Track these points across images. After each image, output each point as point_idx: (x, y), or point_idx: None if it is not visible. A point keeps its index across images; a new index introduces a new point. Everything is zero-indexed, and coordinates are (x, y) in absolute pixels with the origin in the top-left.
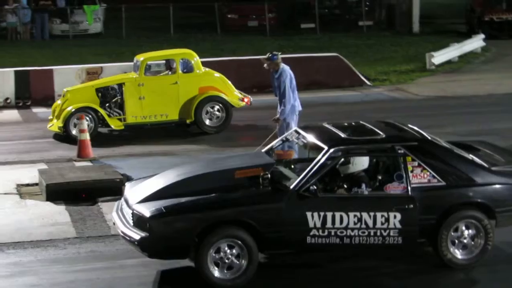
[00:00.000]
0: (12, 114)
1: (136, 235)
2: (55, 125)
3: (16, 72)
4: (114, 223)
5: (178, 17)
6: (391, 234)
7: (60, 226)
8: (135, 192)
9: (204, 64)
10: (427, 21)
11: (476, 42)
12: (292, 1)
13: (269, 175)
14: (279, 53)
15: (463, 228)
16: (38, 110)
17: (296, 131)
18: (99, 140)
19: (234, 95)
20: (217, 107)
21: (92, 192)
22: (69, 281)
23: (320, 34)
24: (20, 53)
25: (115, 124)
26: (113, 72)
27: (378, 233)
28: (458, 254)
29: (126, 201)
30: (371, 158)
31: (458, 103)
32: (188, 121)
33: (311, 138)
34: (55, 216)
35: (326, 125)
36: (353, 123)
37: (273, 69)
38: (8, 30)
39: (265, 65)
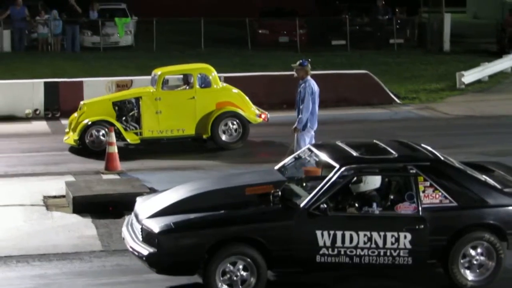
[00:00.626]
0: (41, 125)
1: (145, 250)
2: (70, 138)
3: (46, 83)
4: (123, 238)
5: (209, 31)
6: (401, 254)
7: (86, 239)
8: (145, 207)
9: (234, 79)
10: (458, 40)
11: (506, 62)
12: (323, 18)
13: (279, 193)
14: (309, 61)
15: (475, 249)
16: (66, 122)
17: (309, 149)
18: (127, 153)
19: (251, 111)
20: (234, 122)
21: (119, 206)
22: None
23: (350, 51)
24: (50, 65)
25: (131, 138)
26: (142, 85)
27: (388, 253)
28: (469, 275)
29: (136, 216)
30: (383, 178)
31: (487, 123)
32: (204, 136)
33: (323, 156)
34: (81, 229)
35: (339, 143)
36: (367, 142)
37: (301, 77)
38: (39, 41)
39: (294, 74)
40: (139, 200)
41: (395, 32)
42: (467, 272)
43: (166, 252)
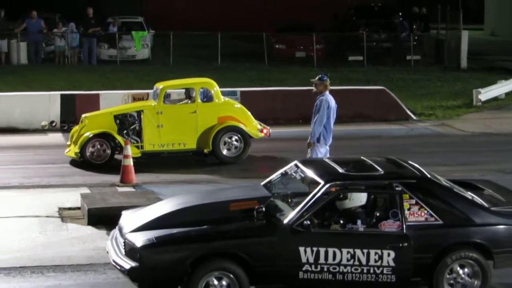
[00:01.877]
0: (57, 137)
1: (127, 264)
2: (71, 151)
3: (62, 95)
4: (107, 252)
5: (225, 45)
6: (385, 272)
7: (101, 251)
8: (130, 221)
9: (251, 93)
10: (475, 57)
11: None
12: (341, 33)
13: (263, 209)
14: (328, 76)
15: (460, 268)
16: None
17: (295, 165)
18: (142, 166)
19: (253, 126)
20: (235, 137)
21: None
22: None
23: (367, 67)
24: (67, 77)
25: (132, 152)
26: None
27: (371, 271)
28: None
29: (120, 230)
30: (368, 194)
31: (504, 140)
32: (205, 151)
33: (309, 172)
34: (96, 241)
35: (326, 160)
36: (354, 159)
37: (320, 91)
38: (56, 53)
39: (313, 89)
40: (124, 213)
41: (412, 49)
42: None
43: (148, 266)
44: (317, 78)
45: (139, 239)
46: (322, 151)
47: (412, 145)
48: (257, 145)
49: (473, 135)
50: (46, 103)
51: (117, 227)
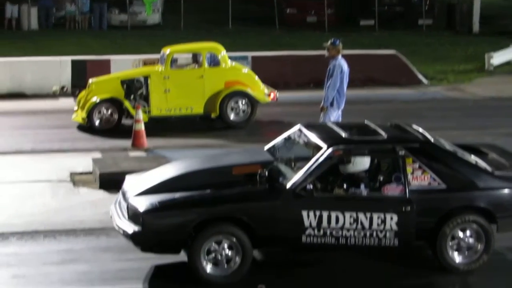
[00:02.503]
0: (68, 102)
1: (130, 228)
2: (79, 116)
3: (73, 61)
4: (111, 216)
5: (237, 10)
6: (387, 235)
7: None
8: (133, 185)
9: (262, 58)
10: (487, 22)
11: None
12: None
13: (266, 173)
14: (340, 40)
15: (463, 232)
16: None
17: (299, 129)
18: (154, 131)
19: (260, 90)
20: (242, 101)
21: None
22: (119, 270)
23: (378, 32)
24: (77, 42)
25: None
26: None
27: (374, 234)
28: (457, 258)
29: (124, 194)
30: (372, 159)
31: None
32: (212, 115)
33: (312, 136)
34: (108, 205)
35: (330, 124)
36: (358, 123)
37: (332, 56)
38: (66, 18)
39: (326, 54)
40: (128, 178)
41: (424, 13)
42: (456, 254)
43: (151, 230)
44: (329, 42)
45: (142, 204)
46: (335, 115)
47: (424, 109)
48: (265, 109)
49: (485, 99)
50: (57, 69)
51: (120, 192)
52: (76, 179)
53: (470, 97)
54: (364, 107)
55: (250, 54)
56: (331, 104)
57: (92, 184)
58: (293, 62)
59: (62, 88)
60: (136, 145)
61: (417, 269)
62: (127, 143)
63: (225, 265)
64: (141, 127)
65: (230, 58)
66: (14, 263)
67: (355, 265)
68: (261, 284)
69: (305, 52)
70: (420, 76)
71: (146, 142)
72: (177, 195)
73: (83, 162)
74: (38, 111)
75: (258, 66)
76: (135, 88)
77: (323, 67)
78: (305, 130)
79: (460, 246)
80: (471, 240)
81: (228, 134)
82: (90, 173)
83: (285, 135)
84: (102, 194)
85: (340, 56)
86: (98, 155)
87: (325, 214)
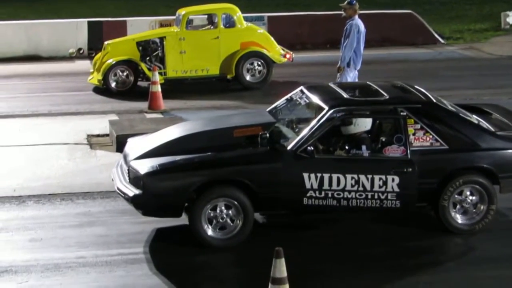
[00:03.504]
0: (85, 65)
1: (131, 192)
2: (94, 78)
3: (89, 22)
4: (112, 179)
5: None
6: (389, 197)
7: None
8: (134, 148)
9: (278, 18)
10: None
11: None
12: None
13: (267, 135)
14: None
15: (466, 193)
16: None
17: (301, 91)
18: (170, 92)
19: (275, 51)
20: (258, 62)
21: None
22: (136, 232)
23: None
24: (93, 4)
25: None
26: None
27: (376, 196)
28: (460, 219)
29: (125, 157)
30: (373, 120)
31: None
32: (228, 76)
33: (313, 97)
34: None
35: (331, 85)
36: (360, 84)
37: (349, 16)
38: None
39: (342, 14)
40: (130, 141)
41: None
42: (458, 215)
43: (151, 194)
44: (346, 2)
45: (143, 166)
46: (352, 76)
47: (440, 69)
48: (281, 70)
49: (501, 58)
50: (73, 31)
51: (122, 154)
52: (93, 141)
53: (487, 56)
54: (380, 67)
55: (266, 14)
56: (348, 65)
57: (109, 147)
58: (310, 22)
59: (79, 50)
60: (152, 107)
61: (420, 230)
62: (144, 105)
63: (227, 227)
64: (158, 89)
65: (246, 19)
66: (31, 226)
67: (357, 227)
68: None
69: (321, 12)
70: (436, 36)
71: (163, 104)
72: (178, 158)
73: (100, 125)
74: (54, 73)
75: (274, 26)
76: (150, 50)
77: (340, 27)
78: (306, 91)
79: (462, 207)
80: (473, 201)
81: (244, 95)
82: (107, 135)
83: (287, 96)
84: (119, 156)
85: (357, 16)
86: (114, 117)
87: (326, 176)
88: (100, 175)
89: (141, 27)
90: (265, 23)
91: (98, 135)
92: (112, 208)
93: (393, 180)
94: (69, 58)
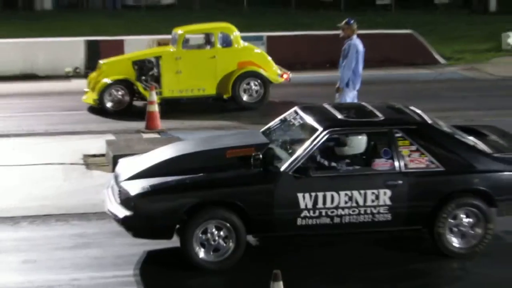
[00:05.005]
0: (81, 84)
1: (121, 213)
2: (89, 97)
3: (86, 41)
4: (103, 201)
5: None
6: (381, 211)
7: None
8: (125, 169)
9: (278, 38)
10: (504, 1)
11: None
12: None
13: (260, 156)
14: (355, 20)
15: (462, 216)
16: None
17: (295, 111)
18: (168, 112)
19: (272, 71)
20: (255, 82)
21: None
22: (132, 254)
23: (395, 11)
24: (91, 23)
25: None
26: None
27: (369, 211)
28: (456, 242)
29: (116, 178)
30: (368, 141)
31: None
32: (225, 96)
33: (308, 118)
34: None
35: (326, 106)
36: (354, 105)
37: (347, 36)
38: None
39: (340, 34)
40: (121, 161)
41: None
42: (454, 238)
43: (142, 215)
44: (343, 22)
45: (134, 188)
46: (351, 96)
47: (442, 90)
48: (280, 90)
49: (504, 79)
50: (70, 49)
51: (113, 175)
52: (89, 161)
53: (488, 77)
54: (381, 87)
55: (265, 34)
56: (347, 85)
57: (105, 167)
58: (309, 42)
59: (75, 69)
60: (150, 127)
61: (417, 253)
62: (140, 125)
63: (218, 251)
64: (155, 108)
65: (245, 38)
66: (25, 248)
67: (353, 249)
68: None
69: (321, 32)
70: (437, 56)
71: (160, 123)
72: (169, 178)
73: (96, 145)
74: (50, 92)
75: (273, 46)
76: (146, 69)
77: (340, 47)
78: (301, 112)
79: (459, 230)
80: (470, 224)
81: (240, 116)
82: (103, 155)
83: (281, 117)
84: None
85: (355, 36)
86: (111, 137)
87: (320, 195)
88: (96, 196)
89: (138, 46)
90: (264, 43)
91: (94, 155)
92: (108, 230)
93: (385, 194)
94: (66, 77)
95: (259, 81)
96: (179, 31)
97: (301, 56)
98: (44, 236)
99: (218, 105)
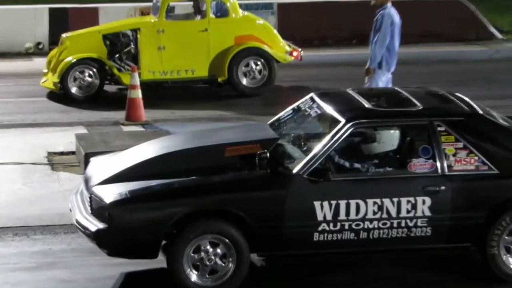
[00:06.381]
0: (45, 63)
1: (93, 226)
2: (49, 81)
3: (51, 9)
4: (70, 210)
5: None
6: (418, 224)
7: None
8: (99, 170)
9: (290, 6)
10: None
11: None
12: None
13: (267, 154)
14: None
15: None
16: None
17: (311, 98)
18: (154, 99)
19: (279, 47)
20: (257, 62)
21: None
22: (107, 277)
23: None
24: None
25: (127, 81)
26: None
27: (403, 224)
28: None
29: (86, 182)
30: (402, 136)
31: None
32: (220, 79)
33: (327, 107)
34: None
35: (350, 91)
36: (386, 90)
37: (380, 4)
38: None
39: (371, 1)
40: (93, 161)
41: None
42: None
43: (119, 228)
44: None
45: (109, 194)
46: (384, 80)
47: (497, 72)
48: (288, 72)
49: None
50: (31, 20)
51: (83, 178)
52: (55, 160)
53: None
54: (420, 69)
55: (276, 1)
56: (379, 66)
57: (75, 168)
58: (331, 11)
59: (38, 44)
60: (131, 118)
61: (463, 277)
62: (119, 114)
63: (216, 273)
64: (138, 94)
65: (251, 6)
66: None
67: (381, 271)
68: None
69: None
70: (493, 29)
71: (144, 114)
72: (153, 182)
73: (64, 140)
74: (7, 74)
75: (286, 16)
76: (121, 45)
77: (369, 18)
78: (318, 100)
79: None
80: None
81: (239, 104)
82: (72, 153)
83: (293, 106)
84: None
85: (389, 4)
86: (83, 130)
87: (342, 204)
88: (63, 204)
89: (117, 15)
90: (274, 12)
91: (61, 153)
92: (79, 246)
93: (424, 202)
94: (26, 54)
95: (262, 60)
96: None
97: (321, 29)
98: None
99: (214, 91)
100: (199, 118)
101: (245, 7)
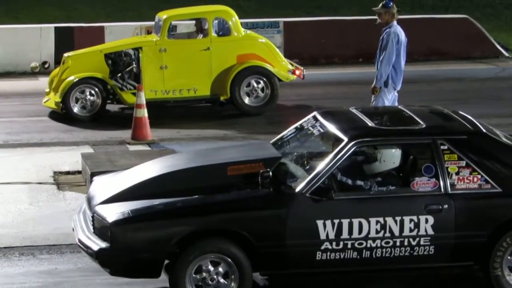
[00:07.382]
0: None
1: (95, 245)
2: (51, 100)
3: (57, 29)
4: (73, 229)
5: None
6: (421, 243)
7: None
8: (101, 189)
9: (296, 24)
10: None
11: None
12: None
13: (270, 173)
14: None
15: None
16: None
17: (314, 117)
18: (160, 119)
19: (282, 66)
20: (259, 81)
21: None
22: None
23: None
24: (64, 6)
25: (129, 100)
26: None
27: (406, 243)
28: None
29: (89, 201)
30: (405, 155)
31: None
32: (222, 98)
33: (330, 126)
34: None
35: (353, 110)
36: (390, 109)
37: (386, 22)
38: None
39: (377, 20)
40: (96, 180)
41: None
42: None
43: (122, 247)
44: (380, 5)
45: (111, 213)
46: (390, 98)
47: (503, 90)
48: (292, 91)
49: None
50: (37, 39)
51: (85, 197)
52: (61, 180)
53: None
54: (427, 87)
55: (281, 20)
56: (386, 84)
57: (81, 187)
58: (337, 29)
59: (43, 64)
60: (137, 137)
61: None
62: (125, 134)
63: None
64: (144, 113)
65: (257, 25)
66: None
67: None
68: None
69: (352, 17)
70: (499, 47)
71: (150, 132)
72: (156, 202)
73: (70, 159)
74: (13, 93)
75: (292, 35)
76: (123, 64)
77: (376, 36)
78: (321, 119)
79: None
80: None
81: (241, 123)
82: (79, 172)
83: (296, 124)
84: None
85: (395, 22)
86: (88, 149)
87: (345, 222)
88: (69, 224)
89: (122, 34)
90: (280, 31)
91: (67, 172)
92: (85, 266)
93: (426, 221)
94: (32, 73)
95: (264, 79)
96: (163, 16)
97: (327, 47)
98: (5, 274)
99: (218, 109)
100: (205, 137)
101: (252, 25)
